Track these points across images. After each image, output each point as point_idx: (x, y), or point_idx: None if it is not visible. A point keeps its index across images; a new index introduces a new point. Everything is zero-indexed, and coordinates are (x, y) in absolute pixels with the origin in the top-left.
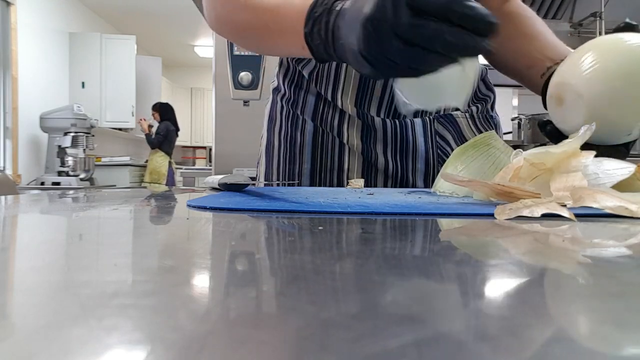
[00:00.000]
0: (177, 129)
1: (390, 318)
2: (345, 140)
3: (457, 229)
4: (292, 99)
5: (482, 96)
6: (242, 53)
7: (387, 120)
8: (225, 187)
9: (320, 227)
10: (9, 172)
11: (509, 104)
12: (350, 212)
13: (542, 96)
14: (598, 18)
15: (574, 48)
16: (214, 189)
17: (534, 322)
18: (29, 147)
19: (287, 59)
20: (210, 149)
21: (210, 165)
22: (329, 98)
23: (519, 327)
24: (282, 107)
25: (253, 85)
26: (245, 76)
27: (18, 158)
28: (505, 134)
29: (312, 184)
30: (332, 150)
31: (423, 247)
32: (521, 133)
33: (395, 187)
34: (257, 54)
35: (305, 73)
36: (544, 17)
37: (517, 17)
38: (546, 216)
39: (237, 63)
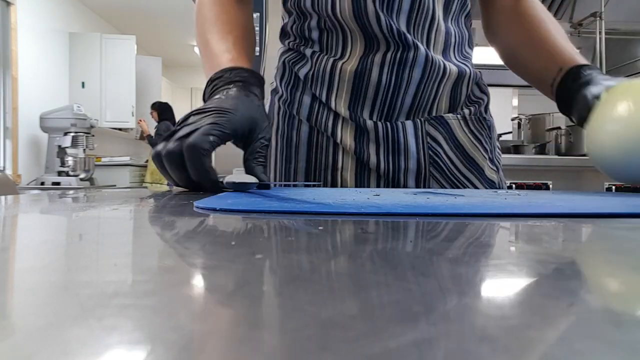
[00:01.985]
0: None
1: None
2: (338, 140)
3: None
4: (288, 99)
5: (476, 99)
6: None
7: (379, 123)
8: (232, 187)
9: (320, 227)
10: (9, 172)
11: (508, 104)
12: (364, 213)
13: (557, 103)
14: (598, 18)
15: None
16: None
17: None
18: (29, 147)
19: (284, 60)
20: None
21: None
22: (324, 100)
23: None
24: (279, 107)
25: None
26: None
27: (18, 158)
28: (504, 134)
29: (306, 182)
30: (326, 149)
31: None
32: (521, 133)
33: (387, 186)
34: (257, 54)
35: (301, 75)
36: None
37: (529, 21)
38: None
39: None
